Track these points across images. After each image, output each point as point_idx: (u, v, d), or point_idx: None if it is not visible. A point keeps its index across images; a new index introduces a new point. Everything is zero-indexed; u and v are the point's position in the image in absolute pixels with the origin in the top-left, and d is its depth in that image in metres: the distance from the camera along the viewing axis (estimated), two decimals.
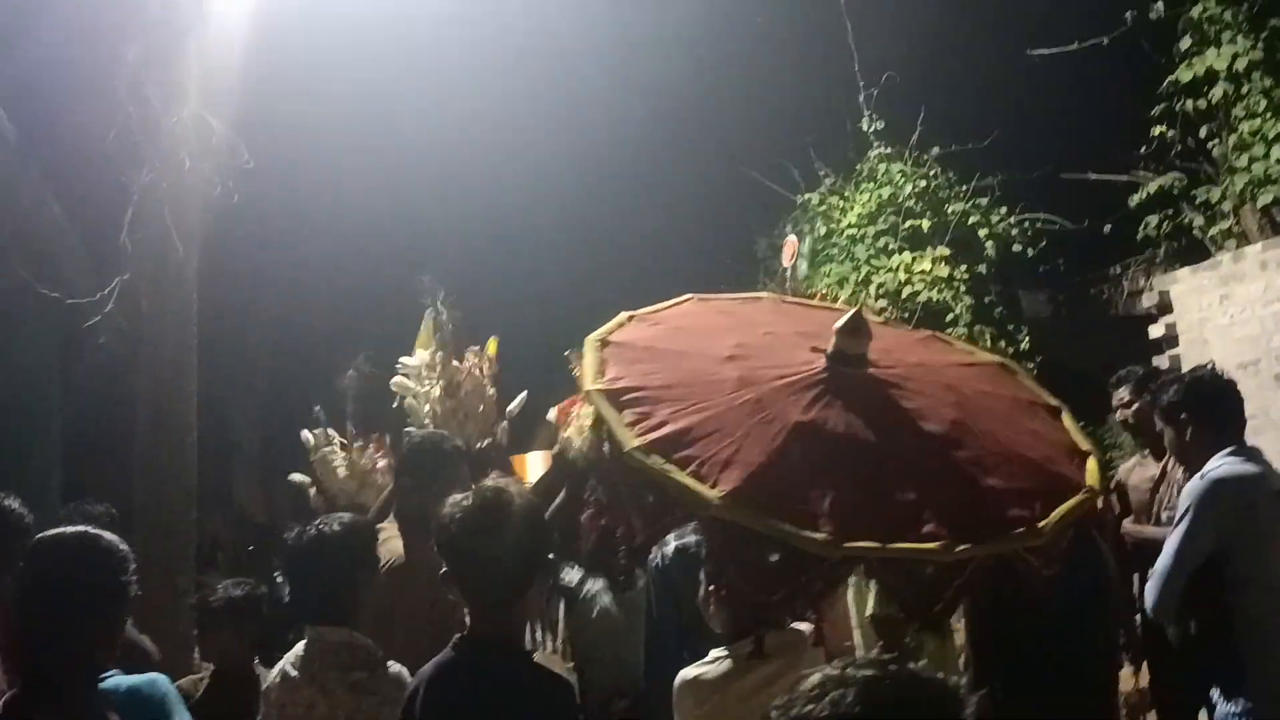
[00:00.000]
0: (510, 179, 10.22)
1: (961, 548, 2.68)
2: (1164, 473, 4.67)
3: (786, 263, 6.85)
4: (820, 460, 2.86)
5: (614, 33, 9.60)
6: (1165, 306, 7.62)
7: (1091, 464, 3.15)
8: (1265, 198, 7.36)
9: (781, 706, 1.12)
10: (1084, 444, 3.25)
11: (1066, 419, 3.35)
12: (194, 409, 6.27)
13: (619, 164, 10.40)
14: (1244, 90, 7.56)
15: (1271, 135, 7.35)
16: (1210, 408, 3.59)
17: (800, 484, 2.78)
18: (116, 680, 2.82)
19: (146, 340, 6.24)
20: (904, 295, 9.34)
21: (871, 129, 9.91)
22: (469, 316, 6.40)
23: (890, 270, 9.45)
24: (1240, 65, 7.53)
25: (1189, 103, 7.84)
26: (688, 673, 3.18)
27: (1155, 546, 3.90)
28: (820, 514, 2.70)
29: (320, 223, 9.79)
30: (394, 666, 3.13)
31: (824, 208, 10.10)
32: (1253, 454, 3.50)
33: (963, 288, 9.38)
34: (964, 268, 9.43)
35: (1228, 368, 7.03)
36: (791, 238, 7.39)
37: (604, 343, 3.18)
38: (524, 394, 5.97)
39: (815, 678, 1.12)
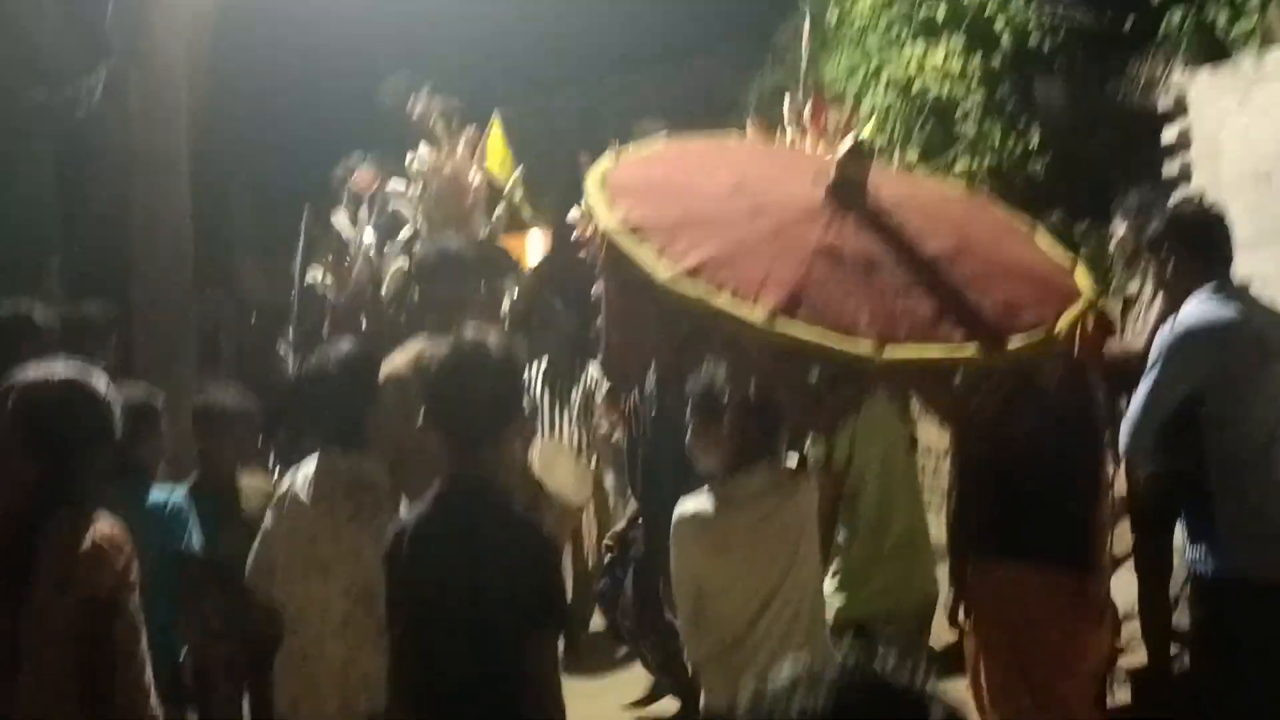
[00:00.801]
0: None
1: (995, 350, 2.80)
2: (1138, 295, 4.68)
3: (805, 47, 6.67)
4: (847, 280, 2.98)
5: None
6: (1181, 108, 7.40)
7: (1081, 273, 3.25)
8: None
9: (750, 702, 1.14)
10: (1068, 258, 3.35)
11: (1042, 236, 3.45)
12: (186, 197, 6.22)
13: None
14: None
15: None
16: (1193, 242, 3.52)
17: (834, 299, 2.91)
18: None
19: (136, 130, 6.14)
20: (914, 89, 9.09)
21: None
22: (470, 100, 6.26)
23: (901, 62, 9.15)
24: None
25: None
26: (686, 508, 3.25)
27: (1123, 364, 3.92)
28: (859, 325, 2.81)
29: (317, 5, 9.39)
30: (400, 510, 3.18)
31: None
32: (1234, 292, 3.44)
33: (975, 81, 9.10)
34: (978, 60, 9.11)
35: (1242, 176, 6.97)
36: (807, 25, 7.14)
37: (604, 183, 3.20)
38: (519, 170, 5.90)
39: (787, 674, 1.13)
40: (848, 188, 3.21)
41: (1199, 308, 3.39)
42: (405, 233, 5.75)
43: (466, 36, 9.75)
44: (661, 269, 2.86)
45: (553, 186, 6.57)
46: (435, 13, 9.55)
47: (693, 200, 3.26)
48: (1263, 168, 6.83)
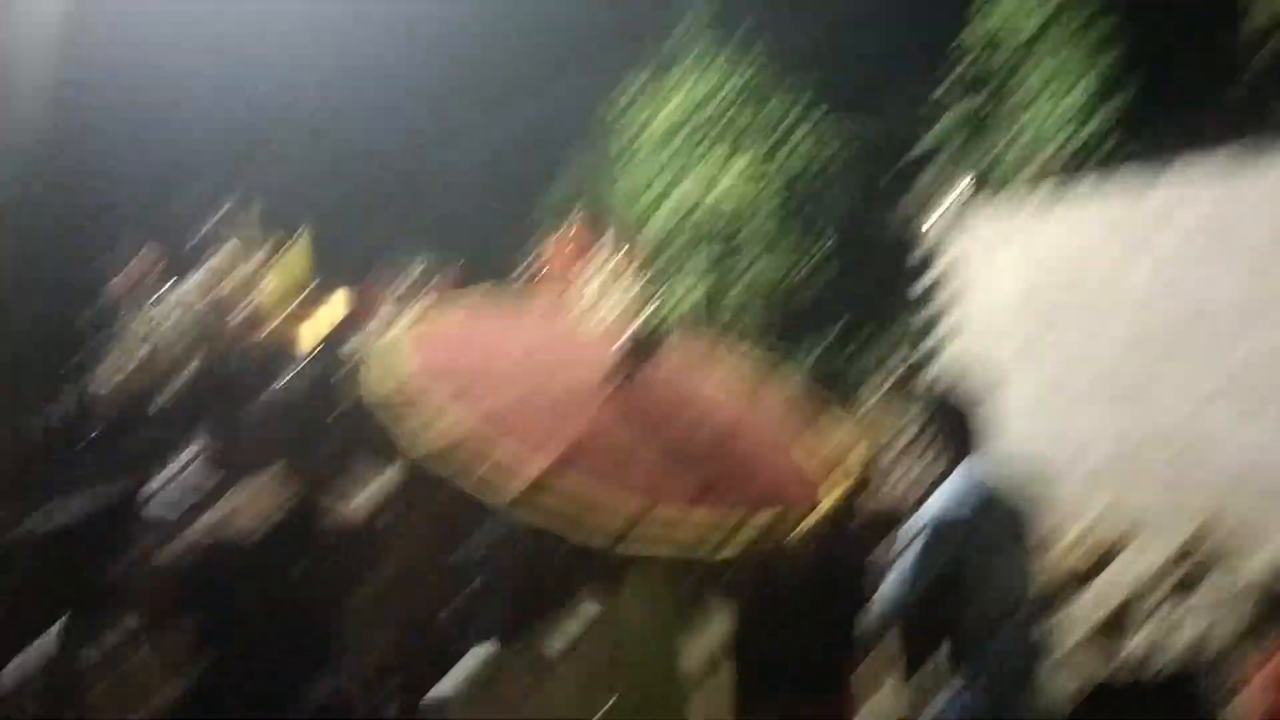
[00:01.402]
0: (328, 60, 9.71)
1: (748, 526, 2.91)
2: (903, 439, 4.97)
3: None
4: (622, 448, 3.04)
5: None
6: (952, 239, 7.89)
7: (851, 458, 3.43)
8: (1053, 143, 7.69)
9: None
10: (836, 449, 3.54)
11: (824, 421, 3.64)
12: None
13: (440, 46, 10.00)
14: (1036, 48, 7.83)
15: (1067, 82, 7.65)
16: (956, 424, 3.77)
17: (608, 464, 2.99)
18: None
19: None
20: (710, 198, 9.41)
21: (694, 23, 9.79)
22: (283, 204, 6.16)
23: (699, 171, 9.48)
24: (1035, 24, 7.78)
25: (999, 35, 8.05)
26: (444, 686, 3.19)
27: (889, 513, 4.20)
28: (625, 491, 2.91)
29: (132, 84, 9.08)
30: None
31: (640, 99, 9.99)
32: (988, 473, 3.71)
33: (769, 193, 9.51)
34: (772, 172, 9.53)
35: (1001, 307, 7.50)
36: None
37: (409, 333, 3.33)
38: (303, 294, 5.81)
39: None
40: (635, 361, 3.32)
41: (955, 489, 3.65)
42: (181, 336, 5.55)
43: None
44: (444, 420, 2.95)
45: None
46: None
47: (488, 358, 3.37)
48: (1018, 300, 7.36)
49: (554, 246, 5.69)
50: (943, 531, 3.55)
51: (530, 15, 10.02)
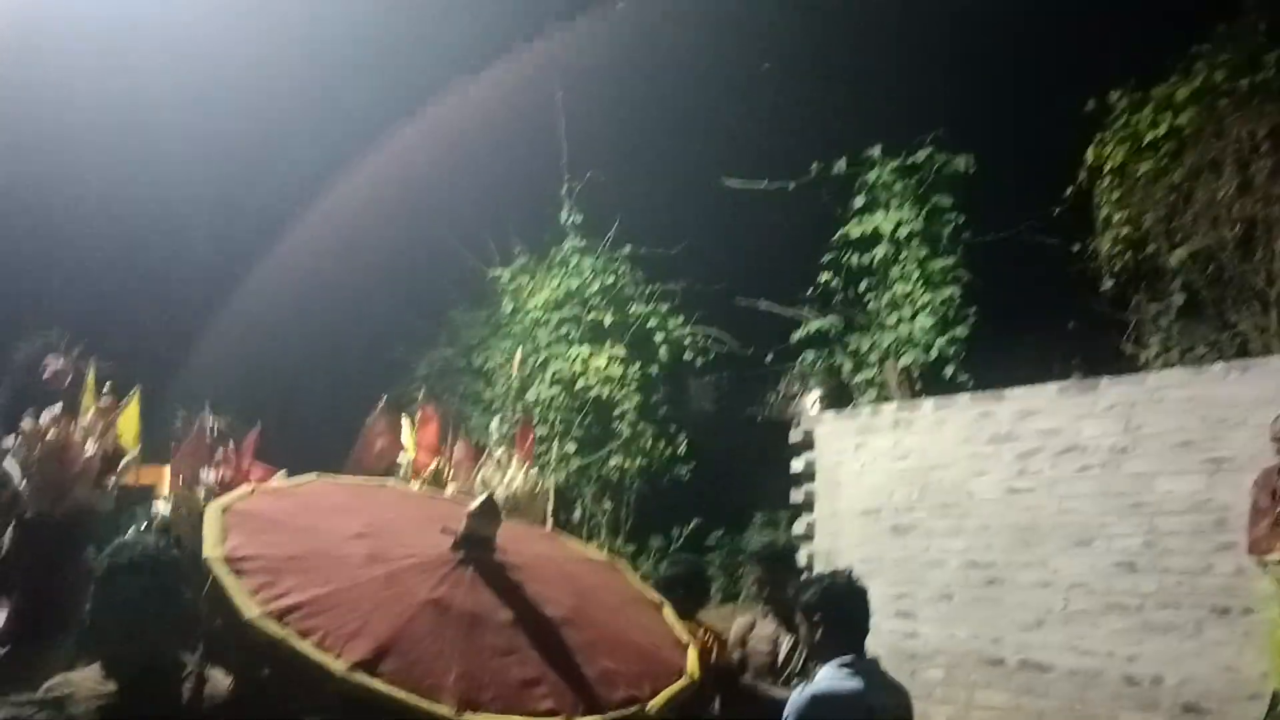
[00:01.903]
0: (196, 228, 9.74)
1: None
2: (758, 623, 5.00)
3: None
4: (447, 636, 2.97)
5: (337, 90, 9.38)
6: (809, 443, 8.09)
7: (692, 654, 3.38)
8: (906, 358, 8.00)
9: None
10: (684, 636, 3.50)
11: (667, 612, 3.61)
12: None
13: (322, 218, 10.13)
14: (902, 255, 8.24)
15: (919, 303, 8.04)
16: (840, 615, 3.82)
17: (426, 658, 2.87)
18: None
19: None
20: (577, 386, 9.55)
21: (569, 220, 10.10)
22: (122, 363, 6.03)
23: (567, 360, 9.63)
24: (902, 232, 8.20)
25: (854, 256, 8.46)
26: None
27: (774, 703, 4.16)
28: (444, 687, 2.78)
29: None
30: None
31: (514, 285, 10.19)
32: (863, 667, 3.74)
33: (633, 386, 9.69)
34: (637, 367, 9.74)
35: (854, 510, 7.67)
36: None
37: (227, 511, 3.16)
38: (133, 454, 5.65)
39: None
40: (474, 542, 3.24)
41: (830, 676, 3.67)
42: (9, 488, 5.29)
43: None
44: (250, 607, 2.83)
45: None
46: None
47: (311, 541, 3.24)
48: (871, 505, 7.54)
49: (388, 426, 5.65)
50: (816, 706, 3.54)
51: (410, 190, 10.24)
